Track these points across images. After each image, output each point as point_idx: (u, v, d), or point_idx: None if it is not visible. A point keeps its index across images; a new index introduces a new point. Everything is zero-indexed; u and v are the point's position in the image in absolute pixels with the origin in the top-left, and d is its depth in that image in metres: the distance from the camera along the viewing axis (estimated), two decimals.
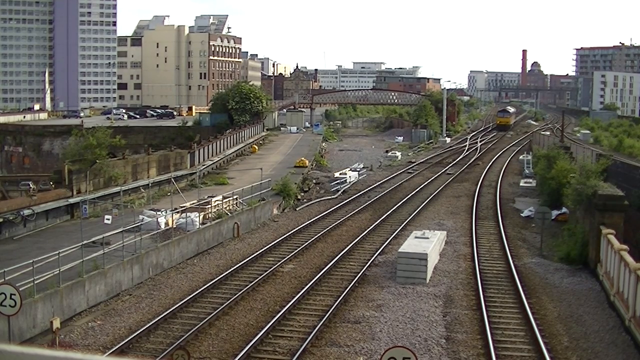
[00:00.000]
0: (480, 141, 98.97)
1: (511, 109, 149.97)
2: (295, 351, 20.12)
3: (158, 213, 34.60)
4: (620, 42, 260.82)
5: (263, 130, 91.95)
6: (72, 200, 38.51)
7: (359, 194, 51.01)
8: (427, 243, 29.74)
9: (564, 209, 41.20)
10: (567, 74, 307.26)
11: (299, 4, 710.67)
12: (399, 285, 27.27)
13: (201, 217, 34.77)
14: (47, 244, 29.67)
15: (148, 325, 22.12)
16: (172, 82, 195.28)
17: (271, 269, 29.40)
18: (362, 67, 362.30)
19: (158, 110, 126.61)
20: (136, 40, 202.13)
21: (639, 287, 21.59)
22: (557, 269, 30.58)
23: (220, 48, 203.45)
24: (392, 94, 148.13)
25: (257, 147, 78.25)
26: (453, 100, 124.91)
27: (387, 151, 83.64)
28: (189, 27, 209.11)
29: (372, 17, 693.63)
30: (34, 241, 31.81)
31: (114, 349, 20.10)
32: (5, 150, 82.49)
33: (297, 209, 45.85)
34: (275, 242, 34.89)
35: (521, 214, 44.55)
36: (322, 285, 27.59)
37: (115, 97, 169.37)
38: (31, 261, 22.26)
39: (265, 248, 33.47)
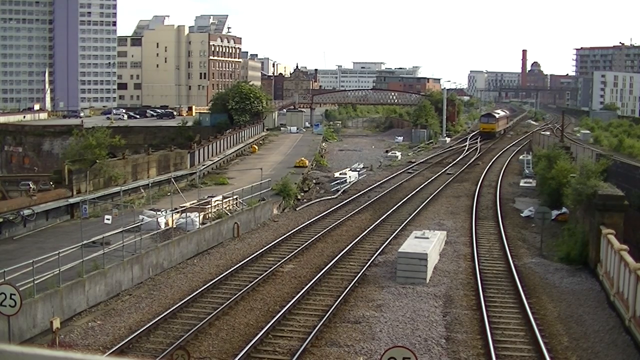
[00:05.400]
0: (480, 141, 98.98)
1: (499, 113, 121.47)
2: (295, 351, 20.12)
3: (158, 213, 34.59)
4: (620, 42, 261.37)
5: (263, 130, 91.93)
6: (72, 200, 38.51)
7: (359, 194, 51.00)
8: (427, 243, 29.75)
9: (564, 209, 41.19)
10: (567, 74, 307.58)
11: (299, 4, 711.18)
12: (399, 285, 27.28)
13: (201, 217, 34.76)
14: (47, 244, 29.66)
15: (148, 325, 22.13)
16: (172, 82, 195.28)
17: (271, 269, 29.40)
18: (362, 67, 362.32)
19: (158, 110, 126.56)
20: (136, 40, 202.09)
21: (639, 287, 21.60)
22: (557, 269, 30.58)
23: (220, 48, 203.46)
24: (392, 94, 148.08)
25: (257, 147, 78.23)
26: (453, 100, 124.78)
27: (387, 151, 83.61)
28: (189, 27, 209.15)
29: (372, 17, 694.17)
30: (34, 241, 31.81)
31: (114, 349, 20.10)
32: (5, 150, 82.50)
33: (297, 209, 45.84)
34: (275, 242, 34.90)
35: (521, 214, 44.55)
36: (322, 285, 27.59)
37: (115, 97, 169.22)
38: (31, 261, 22.27)
39: (265, 248, 33.48)
